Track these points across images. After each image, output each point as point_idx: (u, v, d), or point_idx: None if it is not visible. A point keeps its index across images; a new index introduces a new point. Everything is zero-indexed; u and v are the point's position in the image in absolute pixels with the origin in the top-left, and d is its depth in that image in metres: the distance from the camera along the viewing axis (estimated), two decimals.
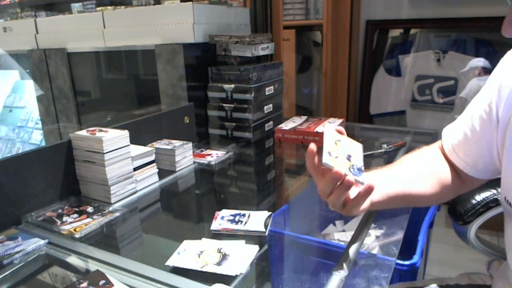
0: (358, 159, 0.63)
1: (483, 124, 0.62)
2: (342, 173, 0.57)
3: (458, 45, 2.19)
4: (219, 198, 1.16)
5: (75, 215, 0.93)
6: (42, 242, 0.82)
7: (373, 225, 0.98)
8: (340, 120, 1.64)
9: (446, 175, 0.69)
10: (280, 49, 1.93)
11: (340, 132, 0.64)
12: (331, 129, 0.64)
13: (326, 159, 0.57)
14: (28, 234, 0.85)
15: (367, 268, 0.71)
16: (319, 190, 0.60)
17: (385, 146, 1.35)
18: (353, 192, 0.61)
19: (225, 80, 1.53)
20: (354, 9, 2.31)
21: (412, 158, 0.74)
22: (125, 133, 1.03)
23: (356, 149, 0.65)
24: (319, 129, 1.48)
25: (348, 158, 0.61)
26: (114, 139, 0.99)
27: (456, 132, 0.69)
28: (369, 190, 0.59)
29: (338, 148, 0.61)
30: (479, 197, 0.93)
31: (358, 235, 0.74)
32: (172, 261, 0.72)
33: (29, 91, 2.34)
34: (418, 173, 0.70)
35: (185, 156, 1.26)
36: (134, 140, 1.09)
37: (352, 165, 0.60)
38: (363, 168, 0.62)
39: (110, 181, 1.00)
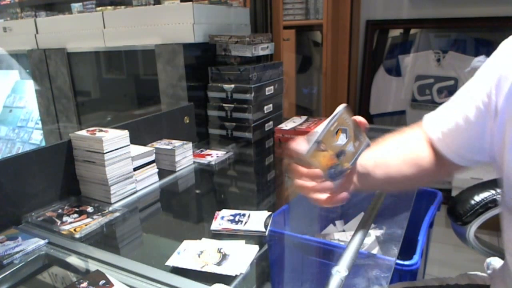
0: (351, 159, 0.54)
1: (479, 114, 0.60)
2: (318, 174, 0.51)
3: (458, 45, 2.19)
4: (219, 198, 1.16)
5: (75, 215, 0.93)
6: (42, 242, 0.82)
7: (373, 225, 0.98)
8: None
9: (426, 159, 0.68)
10: (280, 49, 1.93)
11: (360, 124, 0.54)
12: (344, 111, 0.51)
13: (308, 151, 0.48)
14: (28, 234, 0.85)
15: (367, 268, 0.71)
16: (295, 183, 0.58)
17: None
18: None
19: (225, 80, 1.53)
20: (354, 9, 2.31)
21: (395, 140, 0.73)
22: (125, 133, 1.03)
23: (358, 146, 0.55)
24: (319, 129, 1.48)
25: (339, 155, 0.52)
26: (114, 139, 0.99)
27: (445, 120, 0.67)
28: (340, 200, 0.58)
29: (336, 139, 0.52)
30: (478, 198, 0.93)
31: (358, 235, 0.74)
32: (172, 261, 0.72)
33: (29, 91, 2.34)
34: (398, 155, 0.69)
35: (185, 156, 1.26)
36: (134, 140, 1.09)
37: (336, 165, 0.52)
38: (348, 170, 0.55)
39: (110, 181, 1.00)
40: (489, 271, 0.87)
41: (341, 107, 0.51)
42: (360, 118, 0.56)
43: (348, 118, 0.52)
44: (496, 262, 0.88)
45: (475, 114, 0.61)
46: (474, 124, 0.61)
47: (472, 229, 0.94)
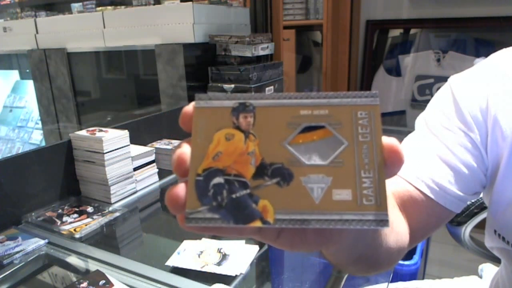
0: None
1: (477, 159, 0.51)
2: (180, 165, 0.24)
3: (458, 45, 2.19)
4: None
5: (75, 215, 0.93)
6: (42, 242, 0.82)
7: None
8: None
9: (405, 233, 0.50)
10: (280, 49, 1.93)
11: (393, 152, 0.25)
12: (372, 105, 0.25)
13: (198, 101, 0.25)
14: (28, 234, 0.85)
15: None
16: None
17: None
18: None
19: (225, 80, 1.54)
20: (354, 9, 2.31)
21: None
22: (125, 133, 1.03)
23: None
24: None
25: (269, 173, 0.24)
26: (114, 139, 0.99)
27: (438, 169, 0.52)
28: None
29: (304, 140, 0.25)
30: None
31: None
32: (172, 261, 0.72)
33: (29, 91, 2.34)
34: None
35: None
36: (134, 140, 1.09)
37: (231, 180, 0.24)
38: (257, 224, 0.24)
39: (110, 181, 1.00)
40: (482, 273, 0.86)
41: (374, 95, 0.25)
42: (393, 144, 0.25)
43: (373, 126, 0.24)
44: (490, 265, 0.88)
45: (474, 161, 0.51)
46: (477, 168, 0.52)
47: (467, 229, 0.93)
